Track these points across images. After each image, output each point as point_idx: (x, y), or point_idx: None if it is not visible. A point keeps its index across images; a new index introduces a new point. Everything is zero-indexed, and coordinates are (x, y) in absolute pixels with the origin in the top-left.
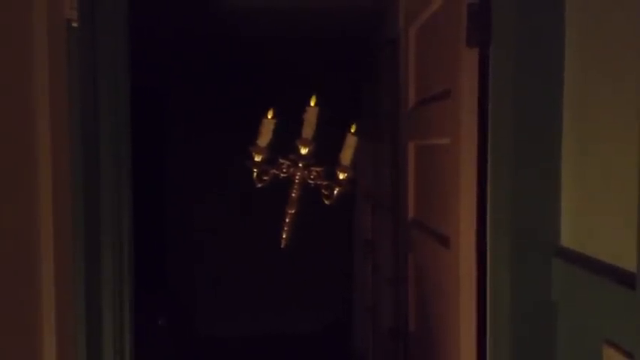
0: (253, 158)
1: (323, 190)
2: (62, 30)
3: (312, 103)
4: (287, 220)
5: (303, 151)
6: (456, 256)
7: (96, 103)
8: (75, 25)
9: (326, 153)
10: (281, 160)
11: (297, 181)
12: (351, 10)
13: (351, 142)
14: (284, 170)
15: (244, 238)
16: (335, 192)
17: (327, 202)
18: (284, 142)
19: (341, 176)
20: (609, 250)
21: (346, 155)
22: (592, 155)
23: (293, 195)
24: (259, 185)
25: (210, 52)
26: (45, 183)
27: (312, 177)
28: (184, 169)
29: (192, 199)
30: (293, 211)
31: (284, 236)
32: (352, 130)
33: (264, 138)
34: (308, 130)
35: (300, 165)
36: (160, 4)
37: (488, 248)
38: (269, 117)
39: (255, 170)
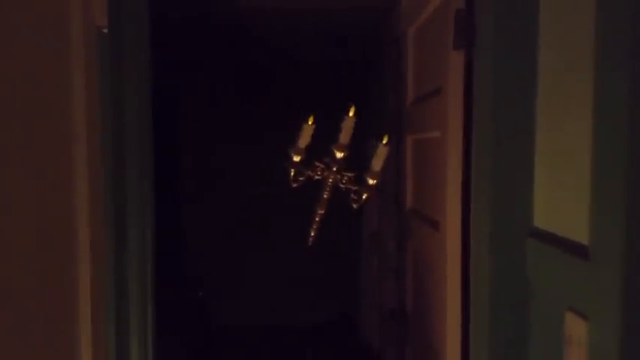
0: (292, 159)
1: (352, 195)
2: (95, 36)
3: (351, 114)
4: (316, 220)
5: (339, 155)
6: (444, 237)
7: (122, 101)
8: (105, 31)
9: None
10: (317, 163)
11: (329, 183)
12: (359, 9)
13: (382, 152)
14: (318, 173)
15: (255, 232)
16: (364, 197)
17: (354, 205)
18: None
19: (370, 182)
20: (570, 227)
21: (377, 164)
22: (557, 146)
23: (324, 196)
24: (294, 185)
25: (217, 49)
26: (81, 184)
27: (343, 181)
28: (198, 163)
29: (206, 193)
30: (322, 212)
31: (312, 234)
32: (384, 142)
33: (303, 140)
34: (345, 136)
35: (334, 169)
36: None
37: (471, 230)
38: (309, 122)
39: (292, 170)
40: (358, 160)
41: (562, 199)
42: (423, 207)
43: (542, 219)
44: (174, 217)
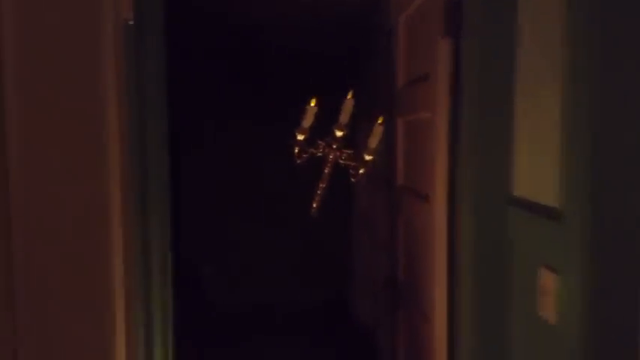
0: (296, 137)
1: (350, 170)
2: (122, 27)
3: (350, 96)
4: (318, 192)
5: (339, 134)
6: (432, 208)
7: (144, 87)
8: (131, 22)
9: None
10: (319, 142)
11: (330, 159)
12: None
13: (378, 131)
14: (320, 150)
15: (251, 218)
16: (360, 172)
17: (353, 179)
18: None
19: (367, 158)
20: (544, 194)
21: (373, 141)
22: (533, 124)
23: (326, 172)
24: (298, 162)
25: (211, 38)
26: (114, 169)
27: (343, 158)
28: (194, 151)
29: (201, 175)
30: (324, 185)
31: (314, 205)
32: (380, 122)
33: (307, 121)
34: (344, 116)
35: (334, 147)
36: None
37: (457, 200)
38: (312, 104)
39: (297, 148)
40: (352, 140)
41: (538, 171)
42: (413, 183)
43: (521, 188)
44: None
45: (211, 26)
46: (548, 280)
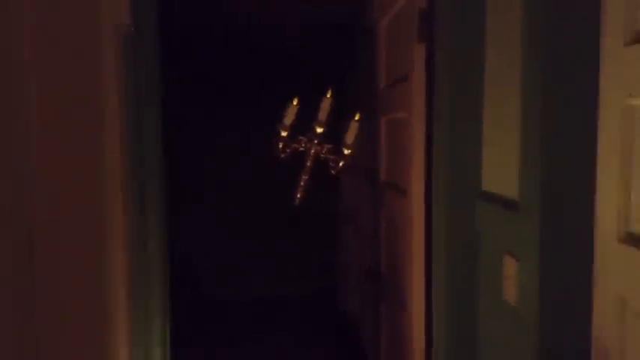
0: (280, 134)
1: (330, 163)
2: (120, 31)
3: (328, 95)
4: (301, 184)
5: (319, 130)
6: (410, 202)
7: (140, 86)
8: (130, 28)
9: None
10: (300, 137)
11: (311, 154)
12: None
13: (354, 127)
14: (302, 145)
15: (242, 211)
16: (340, 164)
17: (333, 172)
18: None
19: (345, 152)
20: (507, 188)
21: (350, 136)
22: (498, 125)
23: (308, 164)
24: (282, 156)
25: (196, 40)
26: (115, 172)
27: (323, 152)
28: (186, 144)
29: (192, 171)
30: (307, 177)
31: (298, 196)
32: (356, 118)
33: (289, 118)
34: (323, 114)
35: (315, 141)
36: None
37: (433, 195)
38: (294, 103)
39: (280, 144)
40: (336, 136)
41: (502, 168)
42: (394, 179)
43: (488, 183)
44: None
45: (199, 30)
46: (509, 266)
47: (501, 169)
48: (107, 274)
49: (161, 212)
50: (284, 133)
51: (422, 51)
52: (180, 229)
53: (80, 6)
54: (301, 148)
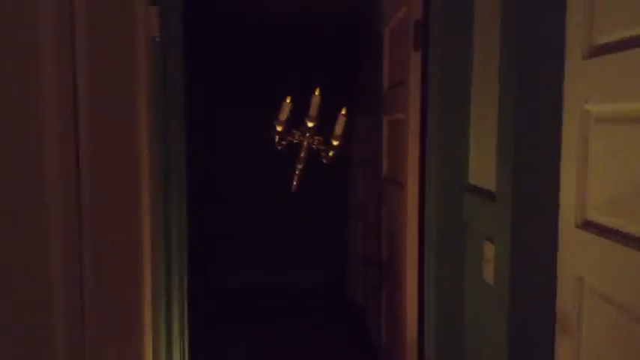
0: (276, 128)
1: (322, 153)
2: (152, 43)
3: (317, 93)
4: (297, 173)
5: (310, 124)
6: (406, 195)
7: (168, 92)
8: (157, 39)
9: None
10: (294, 131)
11: (304, 145)
12: (346, 7)
13: (342, 120)
14: (296, 138)
15: (258, 207)
16: (330, 154)
17: (324, 161)
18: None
19: (334, 143)
20: (489, 181)
21: (338, 129)
22: (482, 124)
23: (302, 155)
24: (279, 148)
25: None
26: (144, 171)
27: (315, 143)
28: (199, 138)
29: (205, 168)
30: (301, 166)
31: (294, 183)
32: (343, 112)
33: (284, 114)
34: (313, 110)
35: (308, 134)
36: None
37: (426, 188)
38: (288, 101)
39: (277, 137)
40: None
41: (484, 164)
42: (394, 173)
43: (474, 177)
44: None
45: (213, 34)
46: (489, 251)
47: (484, 165)
48: (142, 255)
49: (181, 201)
50: (279, 128)
51: (417, 58)
52: (197, 220)
53: (122, 23)
54: (295, 141)
